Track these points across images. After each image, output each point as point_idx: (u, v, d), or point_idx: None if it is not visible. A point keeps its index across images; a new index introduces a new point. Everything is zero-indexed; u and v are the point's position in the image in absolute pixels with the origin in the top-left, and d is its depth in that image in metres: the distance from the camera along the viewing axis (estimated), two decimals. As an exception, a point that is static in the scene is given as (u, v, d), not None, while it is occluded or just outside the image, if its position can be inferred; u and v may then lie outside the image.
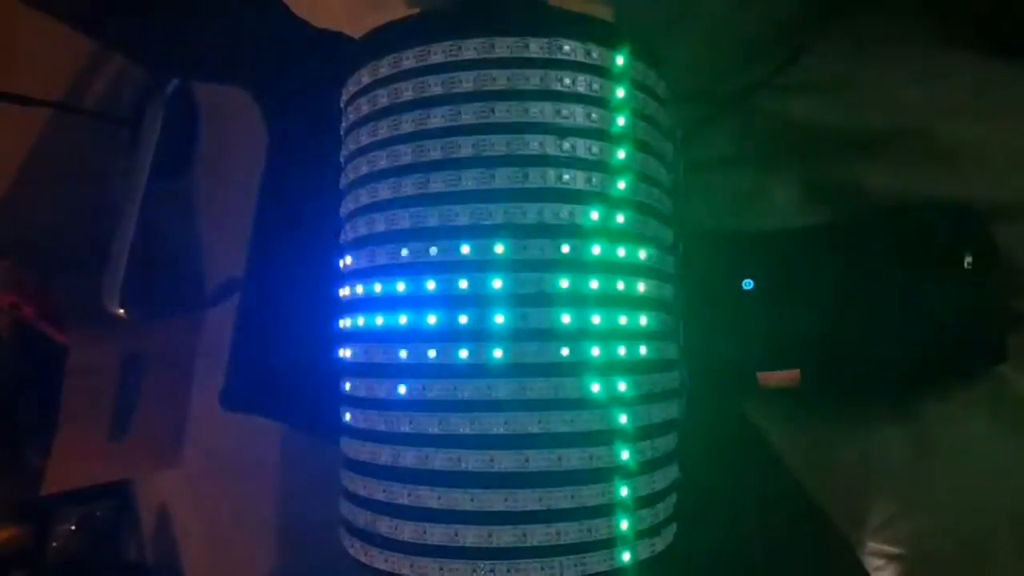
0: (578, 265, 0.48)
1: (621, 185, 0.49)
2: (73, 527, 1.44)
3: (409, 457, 0.48)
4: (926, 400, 0.65)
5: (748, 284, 0.65)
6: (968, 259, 0.59)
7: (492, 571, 0.46)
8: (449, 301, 0.47)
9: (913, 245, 0.61)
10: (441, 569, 0.47)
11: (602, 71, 0.49)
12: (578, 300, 0.48)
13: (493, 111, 0.47)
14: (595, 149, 0.48)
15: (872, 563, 0.66)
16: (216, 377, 1.08)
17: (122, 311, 1.15)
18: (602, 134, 0.49)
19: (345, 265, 0.54)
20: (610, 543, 0.48)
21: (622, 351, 0.49)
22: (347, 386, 0.53)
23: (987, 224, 0.62)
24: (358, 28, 0.57)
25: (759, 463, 0.67)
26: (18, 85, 1.17)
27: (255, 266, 1.06)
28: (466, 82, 0.47)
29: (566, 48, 0.48)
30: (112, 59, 1.37)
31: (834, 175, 0.69)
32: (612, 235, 0.49)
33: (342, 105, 0.56)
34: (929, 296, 0.60)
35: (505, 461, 0.46)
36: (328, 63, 0.62)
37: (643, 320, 0.51)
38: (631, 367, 0.49)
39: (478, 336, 0.47)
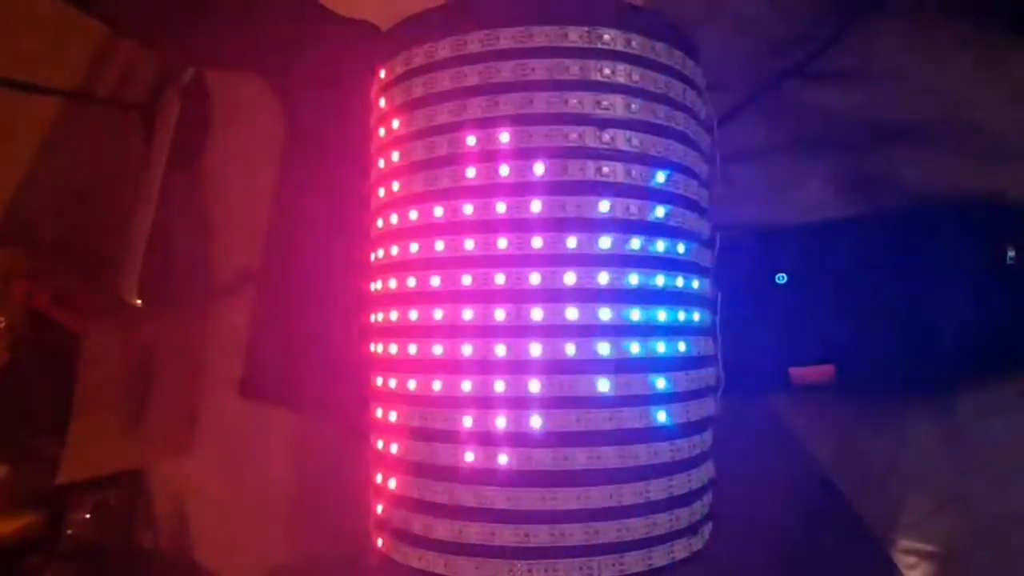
0: (617, 260, 0.47)
1: (660, 178, 0.48)
2: (88, 515, 1.44)
3: (444, 454, 0.47)
4: (960, 396, 0.64)
5: (782, 278, 0.64)
6: (1011, 254, 0.58)
7: (529, 571, 0.45)
8: (486, 296, 0.46)
9: (953, 240, 0.60)
10: (477, 568, 0.46)
11: (642, 60, 0.48)
12: (617, 295, 0.47)
13: (531, 102, 0.46)
14: (635, 141, 0.47)
15: (904, 560, 0.65)
16: (231, 366, 1.08)
17: (139, 300, 1.14)
18: (642, 125, 0.48)
19: (377, 258, 0.53)
20: (647, 542, 0.47)
21: (661, 347, 0.48)
22: (379, 381, 0.52)
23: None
24: (384, 16, 0.56)
25: (791, 459, 0.67)
26: (32, 73, 1.16)
27: (273, 255, 1.05)
28: (504, 72, 0.46)
29: (606, 37, 0.47)
30: (126, 47, 1.36)
31: (868, 166, 0.68)
32: (651, 229, 0.48)
33: (373, 94, 0.55)
34: (969, 291, 0.59)
35: (543, 459, 0.45)
36: (352, 51, 0.60)
37: (681, 315, 0.50)
38: (669, 363, 0.49)
39: (515, 332, 0.46)
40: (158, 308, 1.23)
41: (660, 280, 0.48)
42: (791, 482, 0.67)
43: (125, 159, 1.34)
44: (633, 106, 0.48)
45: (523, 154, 0.46)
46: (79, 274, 1.32)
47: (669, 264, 0.49)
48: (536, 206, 0.46)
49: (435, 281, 0.48)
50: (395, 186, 0.50)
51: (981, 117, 0.64)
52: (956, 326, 0.60)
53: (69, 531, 1.41)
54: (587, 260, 0.46)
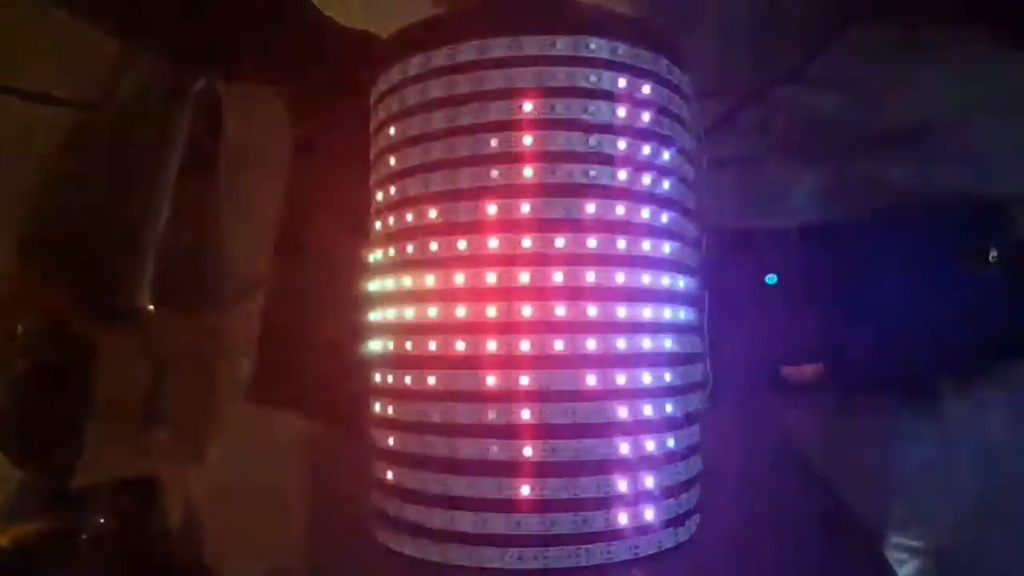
0: (604, 259, 0.48)
1: (646, 180, 0.50)
2: (103, 519, 1.46)
3: (439, 446, 0.49)
4: (949, 394, 0.66)
5: (771, 279, 0.65)
6: (993, 254, 0.59)
7: (519, 558, 0.47)
8: (477, 294, 0.48)
9: (937, 240, 0.62)
10: (470, 556, 0.48)
11: (628, 68, 0.50)
12: (604, 294, 0.48)
13: (521, 108, 0.48)
14: (621, 145, 0.49)
15: (895, 557, 0.67)
16: (243, 371, 1.09)
17: (152, 307, 1.17)
18: (628, 130, 0.50)
19: (375, 259, 0.55)
20: (635, 532, 0.49)
21: (647, 343, 0.50)
22: (377, 377, 0.54)
23: (1012, 219, 0.62)
24: (384, 26, 0.58)
25: (781, 457, 0.68)
26: (44, 84, 1.19)
27: (281, 260, 1.07)
28: (494, 80, 0.48)
29: (592, 46, 0.49)
30: (139, 58, 1.39)
31: (857, 170, 0.70)
32: (637, 229, 0.50)
33: (371, 103, 0.57)
34: (953, 291, 0.61)
35: (532, 450, 0.47)
36: (356, 60, 0.63)
37: (667, 313, 0.51)
38: (655, 359, 0.50)
39: (505, 329, 0.48)
40: (171, 314, 1.26)
41: (646, 279, 0.50)
42: (781, 478, 0.68)
43: (137, 168, 1.37)
44: (619, 112, 0.50)
45: (512, 158, 0.48)
46: (94, 281, 1.35)
47: (655, 263, 0.51)
48: (525, 208, 0.48)
49: (430, 280, 0.50)
50: (392, 190, 0.53)
51: (968, 123, 0.66)
52: (942, 325, 0.62)
53: (84, 535, 1.44)
54: (575, 259, 0.48)
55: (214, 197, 1.27)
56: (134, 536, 1.50)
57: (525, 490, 0.47)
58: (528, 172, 0.48)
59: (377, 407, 0.54)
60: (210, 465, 1.37)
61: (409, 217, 0.51)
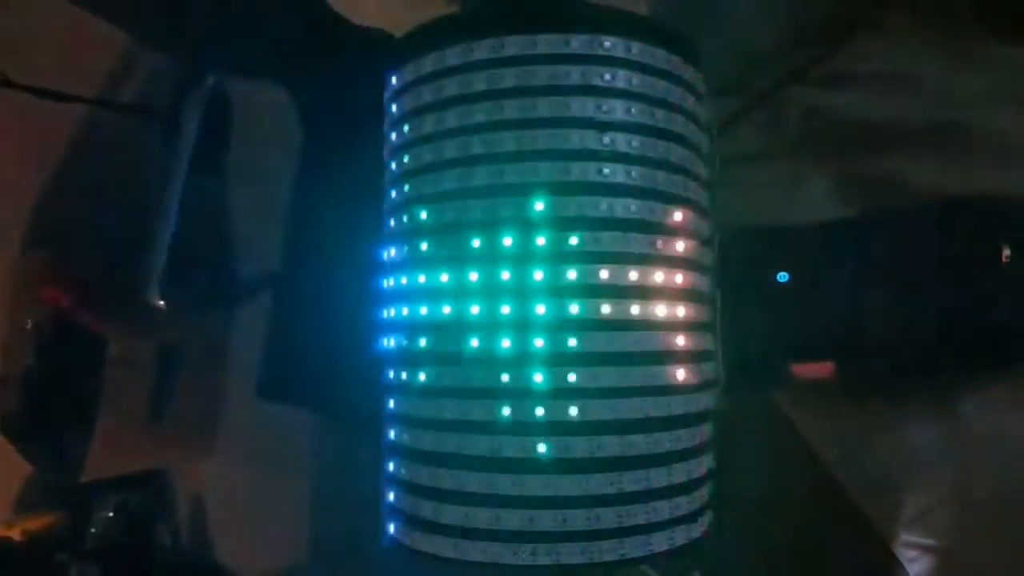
0: (617, 256, 0.49)
1: (660, 179, 0.50)
2: (111, 514, 1.47)
3: (452, 443, 0.49)
4: (961, 392, 0.66)
5: (783, 277, 0.65)
6: (1006, 252, 0.59)
7: (532, 554, 0.47)
8: (491, 291, 0.48)
9: (950, 238, 0.62)
10: (483, 551, 0.48)
11: (642, 66, 0.50)
12: (617, 290, 0.48)
13: (535, 107, 0.48)
14: (635, 143, 0.49)
15: (906, 555, 0.67)
16: (251, 368, 1.10)
17: (162, 303, 1.17)
18: (642, 128, 0.50)
19: (388, 256, 0.56)
20: (647, 529, 0.49)
21: (659, 340, 0.50)
22: (390, 374, 0.55)
23: (1026, 218, 0.62)
24: (397, 24, 0.58)
25: (793, 454, 0.68)
26: (55, 81, 1.19)
27: (290, 258, 1.08)
28: (509, 78, 0.48)
29: (607, 44, 0.49)
30: (148, 54, 1.39)
31: (870, 168, 0.70)
32: (650, 227, 0.50)
33: (385, 101, 0.57)
34: (966, 289, 0.61)
35: (545, 448, 0.47)
36: (367, 59, 0.63)
37: (680, 311, 0.51)
38: (668, 356, 0.50)
39: (520, 326, 0.48)
40: (180, 310, 1.26)
41: (659, 276, 0.50)
42: (792, 476, 0.68)
43: (148, 165, 1.38)
44: (633, 110, 0.50)
45: (527, 156, 0.48)
46: (103, 277, 1.35)
47: (668, 261, 0.51)
48: (539, 205, 0.48)
49: (443, 277, 0.50)
50: (406, 187, 0.53)
51: (980, 119, 0.66)
52: (954, 324, 0.62)
53: (93, 529, 1.45)
54: (589, 257, 0.48)
55: (225, 193, 1.28)
56: (142, 532, 1.50)
57: (538, 487, 0.47)
58: (543, 170, 0.48)
59: (391, 403, 0.55)
60: (220, 462, 1.37)
61: (422, 215, 0.51)
